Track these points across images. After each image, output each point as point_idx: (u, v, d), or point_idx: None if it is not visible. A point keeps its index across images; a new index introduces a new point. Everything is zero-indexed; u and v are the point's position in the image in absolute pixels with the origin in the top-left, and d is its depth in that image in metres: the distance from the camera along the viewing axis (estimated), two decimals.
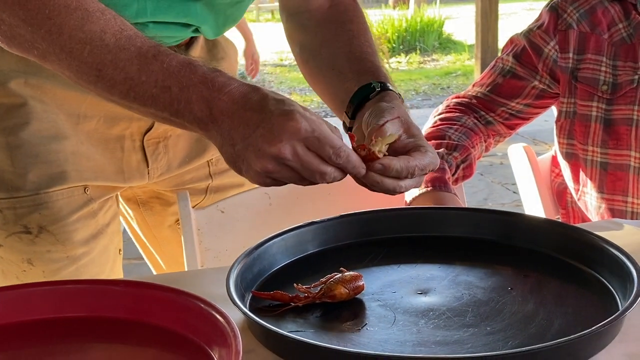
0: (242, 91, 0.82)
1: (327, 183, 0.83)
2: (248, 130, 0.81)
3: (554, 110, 1.47)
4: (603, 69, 1.38)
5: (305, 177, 0.82)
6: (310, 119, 0.81)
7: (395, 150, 0.88)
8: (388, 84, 0.99)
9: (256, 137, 0.80)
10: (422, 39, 9.10)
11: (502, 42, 1.32)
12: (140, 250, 1.36)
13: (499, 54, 1.49)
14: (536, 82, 1.42)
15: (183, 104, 0.83)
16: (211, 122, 0.82)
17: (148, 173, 1.16)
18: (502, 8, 7.49)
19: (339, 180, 0.84)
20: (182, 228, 1.20)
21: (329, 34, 1.08)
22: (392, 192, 0.86)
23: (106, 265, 1.14)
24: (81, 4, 0.84)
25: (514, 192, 4.01)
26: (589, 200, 1.41)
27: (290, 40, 1.15)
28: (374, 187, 0.86)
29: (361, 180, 0.86)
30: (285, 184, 0.84)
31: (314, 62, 1.09)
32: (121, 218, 1.25)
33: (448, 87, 7.44)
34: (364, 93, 0.98)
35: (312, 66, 1.10)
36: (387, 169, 0.84)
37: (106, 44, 0.83)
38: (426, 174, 0.89)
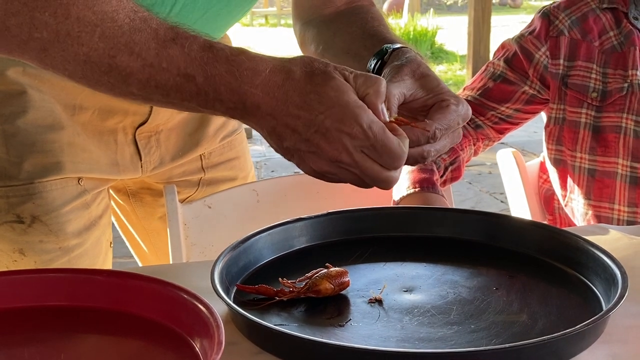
0: (276, 82, 0.76)
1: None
2: (298, 133, 0.75)
3: (543, 117, 1.48)
4: (593, 76, 1.38)
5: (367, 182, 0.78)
6: (362, 107, 0.74)
7: (413, 110, 0.83)
8: (403, 46, 0.91)
9: (310, 135, 0.75)
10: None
11: (493, 53, 1.33)
12: (128, 244, 1.35)
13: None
14: (526, 88, 1.43)
15: (211, 94, 0.76)
16: (247, 115, 0.76)
17: (141, 166, 1.15)
18: (494, 20, 7.52)
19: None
20: (168, 222, 1.19)
21: (342, 23, 1.02)
22: (421, 160, 0.81)
23: (98, 257, 1.13)
24: None
25: (502, 202, 4.02)
26: (576, 207, 1.41)
27: (304, 46, 1.08)
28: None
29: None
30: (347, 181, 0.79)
31: (329, 53, 1.02)
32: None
33: None
34: (377, 58, 0.91)
35: (329, 57, 0.99)
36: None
37: (119, 25, 0.73)
38: (458, 128, 0.83)
